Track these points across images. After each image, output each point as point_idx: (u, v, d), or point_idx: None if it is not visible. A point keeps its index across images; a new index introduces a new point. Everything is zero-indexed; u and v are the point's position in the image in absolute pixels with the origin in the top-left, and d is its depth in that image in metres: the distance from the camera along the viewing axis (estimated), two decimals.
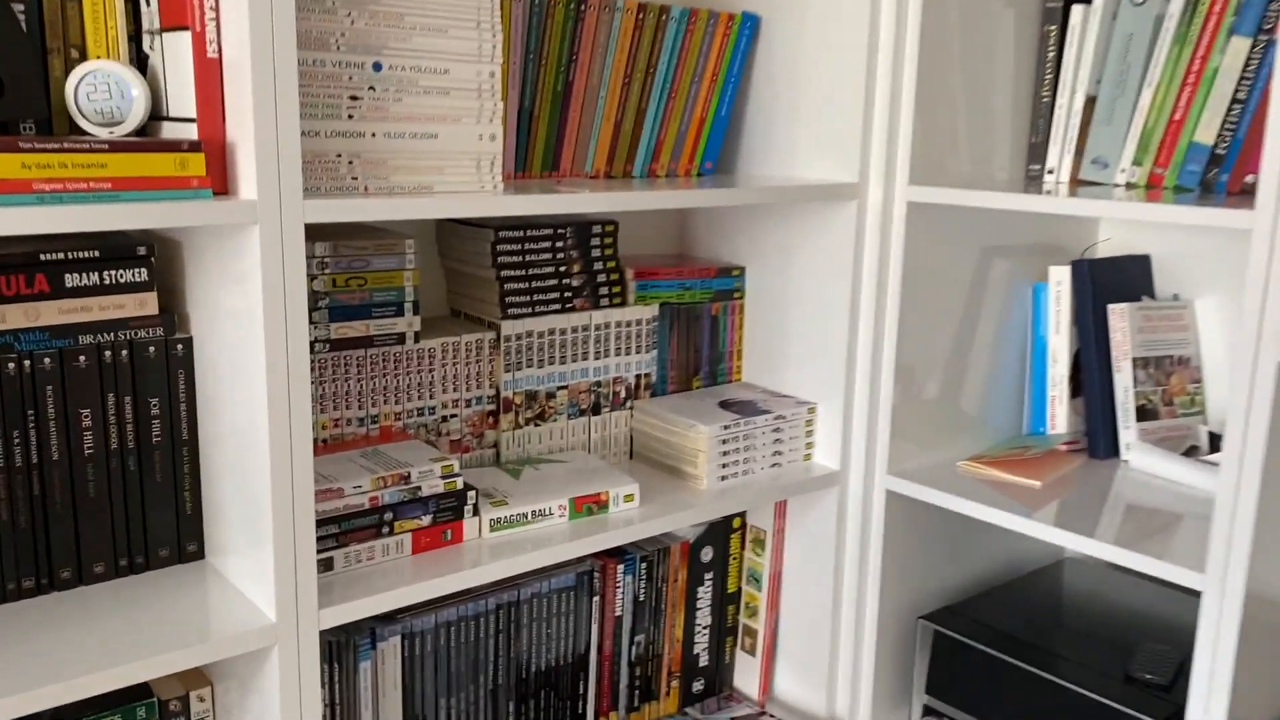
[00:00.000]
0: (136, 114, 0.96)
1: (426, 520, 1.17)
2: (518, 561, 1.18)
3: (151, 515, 1.09)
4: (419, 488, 1.16)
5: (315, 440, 1.22)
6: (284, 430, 0.98)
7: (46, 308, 1.00)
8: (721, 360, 1.58)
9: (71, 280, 1.01)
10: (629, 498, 1.30)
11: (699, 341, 1.54)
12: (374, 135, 1.03)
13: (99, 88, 0.95)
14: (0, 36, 0.91)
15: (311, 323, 1.18)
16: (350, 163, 1.02)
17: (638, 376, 1.47)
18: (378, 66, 1.02)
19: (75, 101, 0.94)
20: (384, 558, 1.14)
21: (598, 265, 1.41)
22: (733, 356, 1.59)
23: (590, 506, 1.28)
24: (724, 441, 1.39)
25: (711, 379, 1.57)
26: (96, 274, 1.02)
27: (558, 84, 1.31)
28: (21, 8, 0.94)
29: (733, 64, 1.46)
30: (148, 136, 0.99)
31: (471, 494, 1.20)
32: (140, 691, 1.11)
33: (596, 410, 1.44)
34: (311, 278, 1.17)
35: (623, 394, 1.46)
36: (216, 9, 0.92)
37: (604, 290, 1.42)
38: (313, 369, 1.20)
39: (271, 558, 0.99)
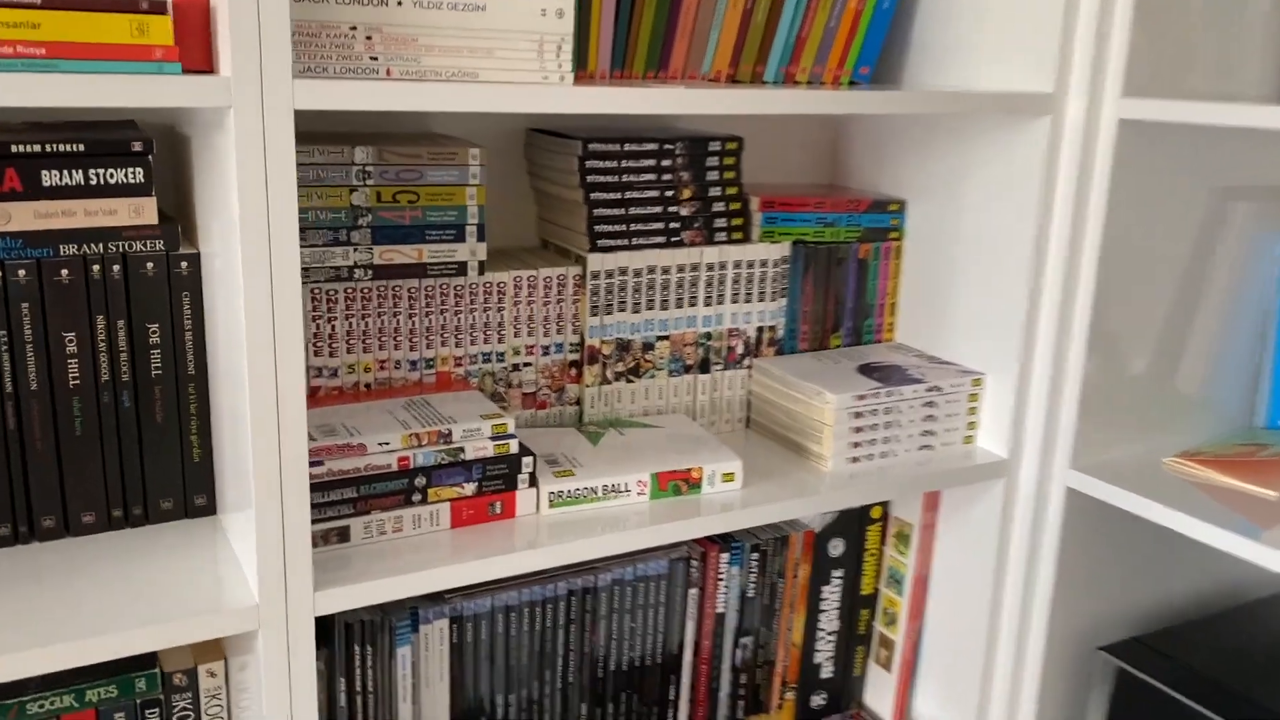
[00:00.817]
0: None
1: (470, 489, 0.96)
2: (582, 546, 0.96)
3: (150, 460, 0.93)
4: (461, 449, 0.95)
5: (359, 384, 1.03)
6: (267, 372, 0.79)
7: (19, 210, 0.84)
8: (869, 315, 1.30)
9: (50, 178, 0.85)
10: (728, 477, 1.06)
11: (841, 291, 1.27)
12: (400, 3, 0.81)
13: None
14: None
15: (351, 244, 0.98)
16: (369, 38, 0.81)
17: (759, 329, 1.22)
18: None
19: None
20: (415, 530, 0.95)
21: (715, 191, 1.16)
22: (884, 311, 1.30)
23: (678, 485, 1.04)
24: (858, 415, 1.13)
25: (855, 337, 1.29)
26: (81, 172, 0.86)
27: None
28: None
29: None
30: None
31: (528, 460, 0.98)
32: (145, 661, 0.97)
33: (705, 368, 1.20)
34: (351, 189, 0.98)
35: (740, 349, 1.21)
36: None
37: (721, 222, 1.17)
38: (353, 299, 1.01)
39: (253, 527, 0.81)
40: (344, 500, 0.91)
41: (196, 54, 0.75)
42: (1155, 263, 1.13)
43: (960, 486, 1.21)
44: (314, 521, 0.90)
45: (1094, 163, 1.08)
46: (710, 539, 1.21)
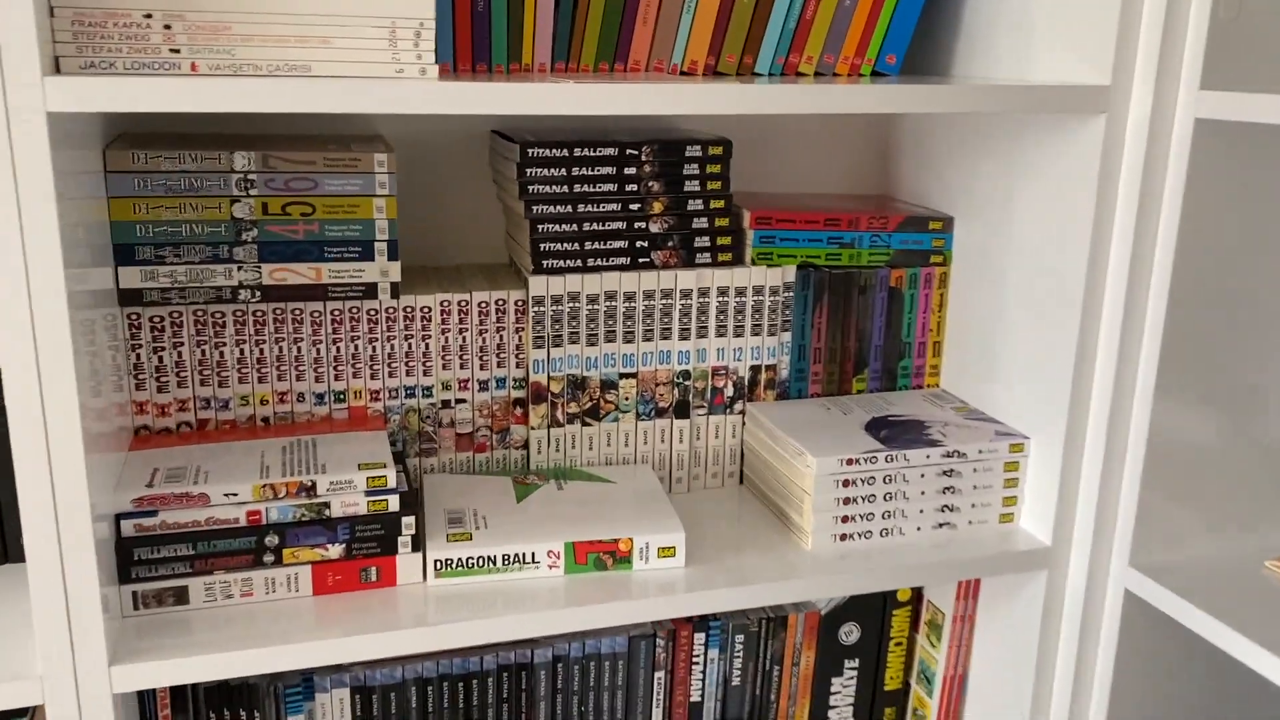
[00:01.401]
0: None
1: (335, 551, 0.83)
2: (472, 627, 0.81)
3: (7, 493, 0.84)
4: (326, 504, 0.82)
5: (255, 418, 0.92)
6: (32, 408, 0.68)
7: None
8: (905, 355, 1.07)
9: None
10: (667, 551, 0.88)
11: (865, 325, 1.05)
12: None
13: None
14: None
15: (234, 261, 0.87)
16: (167, 26, 0.68)
17: (755, 368, 1.02)
18: None
19: None
20: (269, 595, 0.82)
21: (694, 204, 0.98)
22: (925, 350, 1.08)
23: (600, 558, 0.87)
24: (846, 483, 0.91)
25: (887, 380, 1.07)
26: None
27: None
28: None
29: None
30: None
31: (409, 521, 0.84)
32: None
33: (684, 412, 1.01)
34: (233, 200, 0.86)
35: (729, 391, 1.02)
36: None
37: (703, 241, 0.98)
38: (243, 322, 0.89)
39: (31, 592, 0.71)
40: (179, 557, 0.80)
41: None
42: (1241, 295, 0.86)
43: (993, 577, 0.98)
44: (141, 579, 0.79)
45: (1162, 172, 0.83)
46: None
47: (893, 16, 0.96)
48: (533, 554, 0.85)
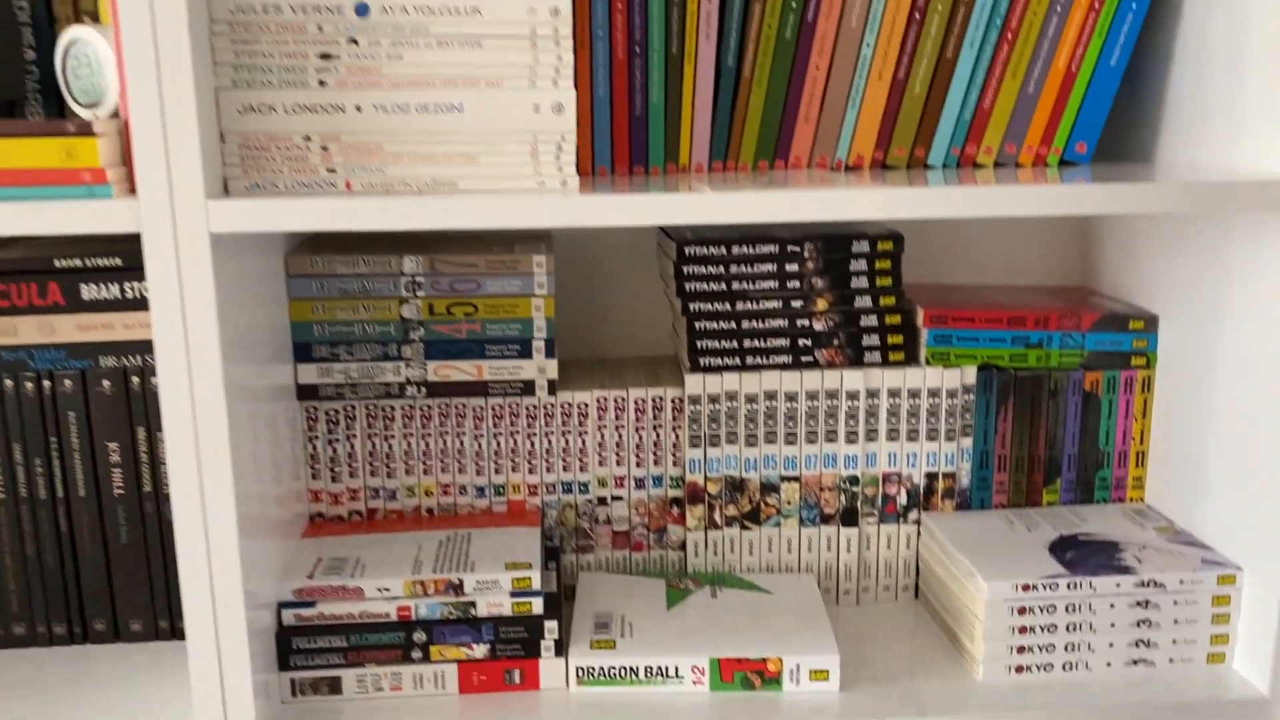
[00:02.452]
0: (111, 90, 0.77)
1: (480, 651, 0.83)
2: None
3: (158, 575, 0.91)
4: (473, 603, 0.83)
5: (420, 508, 0.95)
6: (193, 499, 0.72)
7: (62, 322, 0.86)
8: (1104, 465, 0.98)
9: (89, 292, 0.86)
10: (819, 675, 0.83)
11: (1056, 430, 0.96)
12: (359, 108, 0.72)
13: (81, 60, 0.77)
14: None
15: (402, 359, 0.90)
16: (324, 149, 0.72)
17: (931, 475, 0.96)
18: (362, 10, 0.71)
19: (63, 76, 0.78)
20: (416, 690, 0.84)
21: (862, 301, 0.93)
22: (1128, 461, 0.97)
23: (748, 677, 0.83)
24: (1022, 611, 0.83)
25: (1083, 492, 0.98)
26: (117, 286, 0.86)
27: (785, 29, 0.86)
28: None
29: None
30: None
31: (552, 625, 0.83)
32: None
33: (851, 520, 0.96)
34: (401, 301, 0.90)
35: (902, 499, 0.96)
36: None
37: (872, 339, 0.94)
38: (410, 417, 0.93)
39: (190, 673, 0.75)
40: (333, 649, 0.82)
41: (126, 175, 0.71)
42: None
43: None
44: (298, 668, 0.82)
45: None
46: None
47: (1083, 102, 0.89)
48: (676, 668, 0.83)
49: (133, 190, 0.71)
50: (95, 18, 0.82)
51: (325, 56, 0.71)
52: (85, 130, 0.69)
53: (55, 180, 0.69)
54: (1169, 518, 0.94)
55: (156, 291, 0.69)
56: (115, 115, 0.76)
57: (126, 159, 0.72)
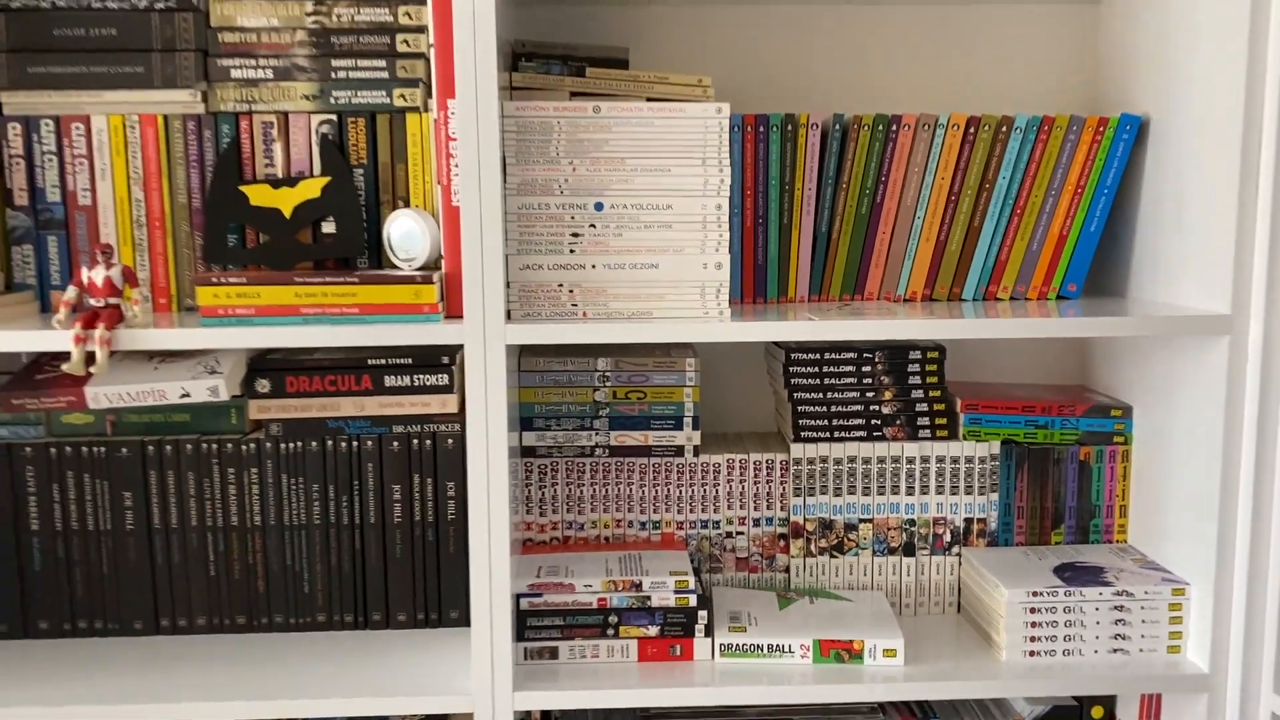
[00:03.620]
0: (424, 251, 1.18)
1: (653, 630, 1.20)
2: (743, 692, 1.16)
3: (445, 581, 1.29)
4: (649, 597, 1.20)
5: (600, 537, 1.33)
6: (483, 526, 1.11)
7: (370, 402, 1.26)
8: (1096, 515, 1.34)
9: (390, 381, 1.26)
10: (890, 653, 1.19)
11: (1060, 490, 1.33)
12: (594, 267, 1.12)
13: (399, 233, 1.19)
14: (341, 199, 1.20)
15: (593, 429, 1.30)
16: (570, 291, 1.13)
17: (968, 520, 1.32)
18: (599, 206, 1.12)
19: (388, 241, 1.20)
20: (609, 658, 1.21)
21: (917, 394, 1.31)
22: (1113, 512, 1.33)
23: (840, 653, 1.19)
24: (1031, 610, 1.19)
25: (1080, 535, 1.34)
26: (409, 377, 1.26)
27: (861, 207, 1.27)
28: (362, 172, 1.22)
29: (1106, 172, 1.26)
30: (434, 269, 1.20)
31: (703, 613, 1.20)
32: None
33: (910, 551, 1.33)
34: (594, 389, 1.29)
35: (948, 537, 1.33)
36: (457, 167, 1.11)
37: (924, 420, 1.31)
38: (596, 471, 1.31)
39: (471, 640, 1.13)
40: (554, 626, 1.20)
41: (455, 307, 1.12)
42: None
43: (1172, 695, 1.20)
44: (530, 639, 1.20)
45: (1274, 380, 1.08)
46: (909, 710, 1.31)
47: (1072, 256, 1.28)
48: (789, 645, 1.19)
49: (449, 316, 1.12)
50: (406, 202, 1.24)
51: (575, 235, 1.12)
52: (426, 280, 1.10)
53: (407, 311, 1.10)
54: (1142, 552, 1.30)
55: (472, 381, 1.09)
56: (424, 268, 1.17)
57: (443, 297, 1.12)
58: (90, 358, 1.06)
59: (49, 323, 1.11)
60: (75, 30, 1.17)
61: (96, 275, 1.08)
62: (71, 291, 1.09)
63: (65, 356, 1.12)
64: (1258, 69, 1.08)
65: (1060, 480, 1.33)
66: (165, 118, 1.19)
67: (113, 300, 1.08)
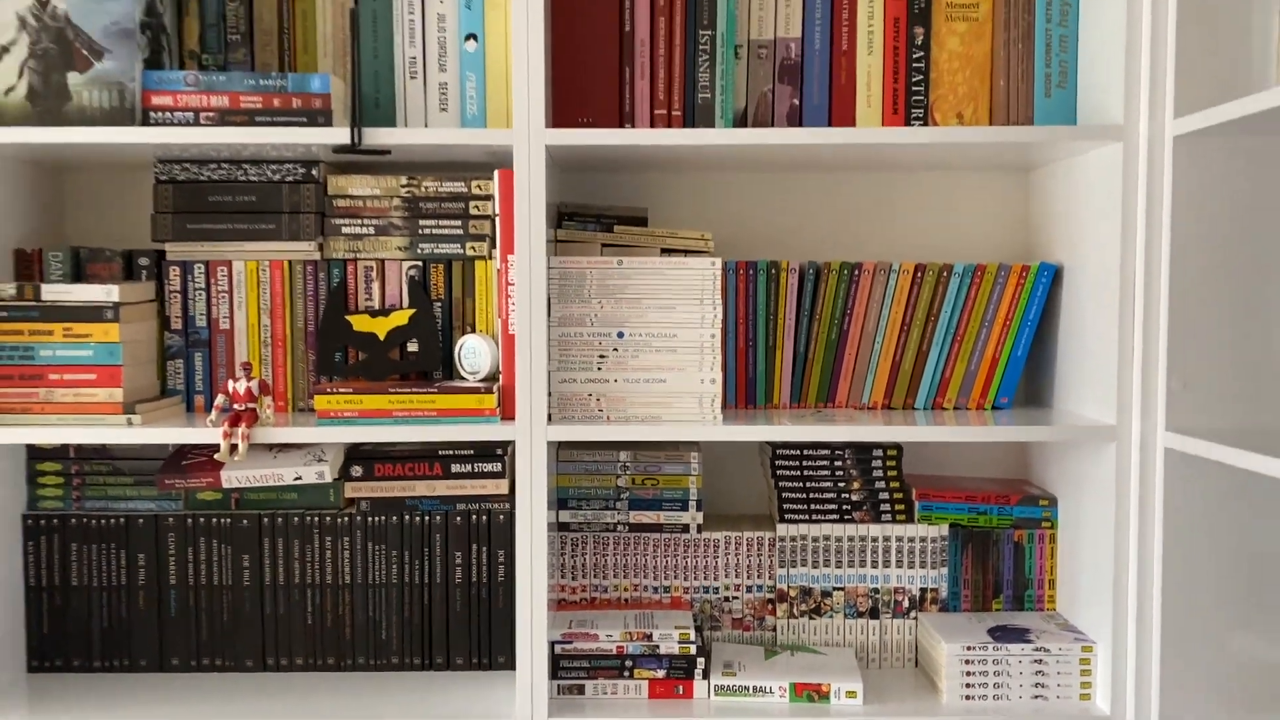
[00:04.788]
0: (487, 367, 1.51)
1: (661, 673, 1.50)
2: None
3: (495, 631, 1.60)
4: (658, 646, 1.50)
5: (622, 599, 1.63)
6: (526, 587, 1.42)
7: (439, 484, 1.59)
8: (1029, 587, 1.62)
9: (455, 468, 1.59)
10: (851, 694, 1.47)
11: (998, 565, 1.62)
12: (616, 381, 1.45)
13: (467, 352, 1.52)
14: (423, 326, 1.54)
15: (615, 509, 1.61)
16: (598, 400, 1.46)
17: (923, 590, 1.61)
18: (621, 334, 1.45)
19: (458, 358, 1.53)
20: (624, 695, 1.50)
21: (879, 484, 1.62)
22: (1043, 584, 1.62)
23: (811, 694, 1.48)
24: (966, 662, 1.47)
25: (1017, 604, 1.62)
26: (471, 465, 1.59)
27: (831, 333, 1.59)
28: (440, 305, 1.56)
29: (1029, 309, 1.58)
30: (493, 381, 1.53)
31: (701, 660, 1.50)
32: None
33: (875, 614, 1.61)
34: (616, 476, 1.61)
35: (906, 604, 1.61)
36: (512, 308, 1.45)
37: (886, 506, 1.61)
38: (618, 545, 1.62)
39: (516, 678, 1.43)
40: (581, 668, 1.50)
41: (509, 410, 1.45)
42: (1216, 568, 1.36)
43: None
44: (562, 678, 1.50)
45: (1154, 483, 1.38)
46: None
47: (1003, 375, 1.59)
48: (771, 687, 1.48)
49: (504, 418, 1.44)
50: (473, 328, 1.57)
51: (601, 356, 1.45)
52: (488, 390, 1.43)
53: (472, 414, 1.43)
54: (1066, 618, 1.57)
55: (520, 469, 1.41)
56: (486, 380, 1.50)
57: (500, 403, 1.45)
58: (233, 449, 1.40)
59: (194, 421, 1.46)
60: (225, 197, 1.54)
61: (239, 386, 1.42)
62: (221, 399, 1.43)
63: (204, 448, 1.46)
64: (1130, 232, 1.40)
65: (999, 557, 1.62)
66: (289, 263, 1.55)
67: (251, 405, 1.42)
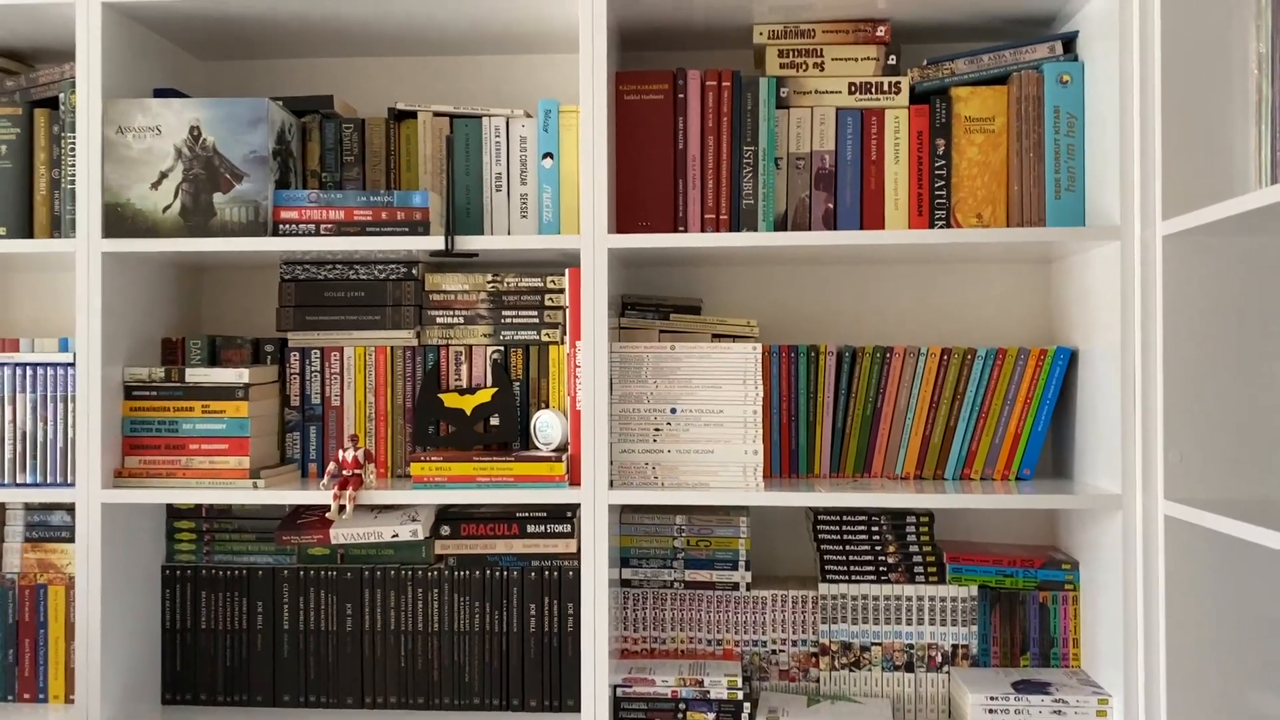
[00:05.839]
0: (558, 438, 1.73)
1: (710, 716, 1.67)
2: None
3: (564, 676, 1.78)
4: (708, 692, 1.67)
5: (678, 650, 1.81)
6: (592, 637, 1.62)
7: (516, 543, 1.80)
8: (1055, 644, 1.75)
9: (531, 529, 1.80)
10: None
11: (1024, 624, 1.75)
12: (669, 451, 1.65)
13: (541, 426, 1.74)
14: (504, 403, 1.77)
15: (672, 568, 1.80)
16: (653, 469, 1.66)
17: (955, 646, 1.76)
18: (674, 410, 1.66)
19: (533, 430, 1.75)
20: None
21: (913, 547, 1.78)
22: (1069, 643, 1.75)
23: None
24: (990, 711, 1.61)
25: (1043, 660, 1.75)
26: (544, 526, 1.80)
27: (866, 410, 1.77)
28: (518, 384, 1.79)
29: (1047, 389, 1.74)
30: (563, 451, 1.74)
31: (747, 705, 1.66)
32: None
33: (910, 668, 1.76)
34: (673, 538, 1.80)
35: (939, 659, 1.76)
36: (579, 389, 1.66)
37: (920, 568, 1.77)
38: (675, 600, 1.81)
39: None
40: (640, 711, 1.68)
41: (577, 476, 1.66)
42: (1214, 635, 1.49)
43: None
44: (623, 718, 1.68)
45: (1156, 550, 1.52)
46: None
47: (1025, 449, 1.75)
48: None
49: (572, 484, 1.65)
50: (546, 404, 1.80)
51: (657, 430, 1.66)
52: (558, 459, 1.64)
53: (545, 480, 1.64)
54: (1089, 674, 1.70)
55: (586, 530, 1.61)
56: (557, 449, 1.71)
57: (569, 470, 1.66)
58: (341, 509, 1.63)
59: (308, 485, 1.70)
60: (338, 293, 1.80)
61: (348, 455, 1.66)
62: (332, 466, 1.67)
63: (318, 508, 1.70)
64: (1129, 321, 1.56)
65: (1025, 616, 1.75)
66: (391, 349, 1.80)
67: (357, 471, 1.66)
